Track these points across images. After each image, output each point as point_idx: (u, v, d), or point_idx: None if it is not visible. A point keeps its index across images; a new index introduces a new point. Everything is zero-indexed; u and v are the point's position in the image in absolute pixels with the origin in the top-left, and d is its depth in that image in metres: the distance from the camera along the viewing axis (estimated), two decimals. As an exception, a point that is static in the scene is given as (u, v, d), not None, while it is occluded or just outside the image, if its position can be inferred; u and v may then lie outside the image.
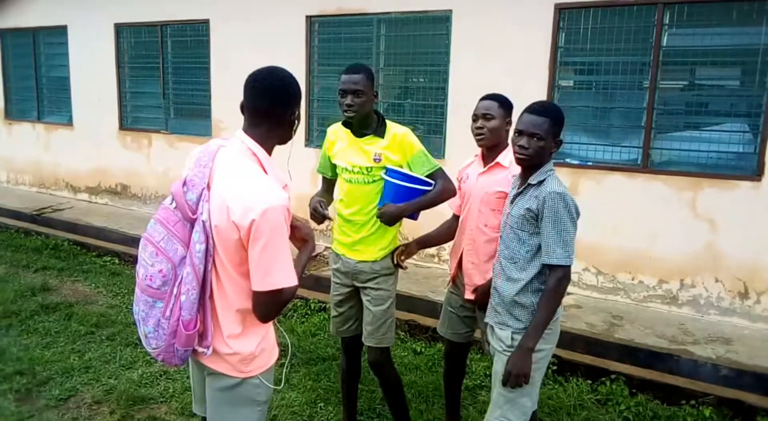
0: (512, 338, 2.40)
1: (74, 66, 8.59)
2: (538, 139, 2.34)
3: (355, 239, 2.92)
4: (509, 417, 2.40)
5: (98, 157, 8.51)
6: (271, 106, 1.85)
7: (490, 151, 2.88)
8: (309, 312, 4.98)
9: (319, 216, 2.85)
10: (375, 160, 2.84)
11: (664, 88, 4.83)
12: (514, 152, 2.42)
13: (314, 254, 2.05)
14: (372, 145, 2.86)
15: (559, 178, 2.40)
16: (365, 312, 2.97)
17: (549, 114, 2.37)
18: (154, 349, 1.84)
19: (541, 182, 2.36)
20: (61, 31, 8.59)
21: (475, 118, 2.85)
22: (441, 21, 5.64)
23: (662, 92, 4.82)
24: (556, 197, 2.28)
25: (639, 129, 4.89)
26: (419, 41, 5.84)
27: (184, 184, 1.81)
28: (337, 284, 3.06)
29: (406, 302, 4.77)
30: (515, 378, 2.31)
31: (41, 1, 8.74)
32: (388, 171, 2.80)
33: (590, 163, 5.08)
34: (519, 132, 2.39)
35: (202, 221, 1.75)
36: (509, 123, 2.87)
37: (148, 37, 7.75)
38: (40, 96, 9.20)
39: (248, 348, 1.86)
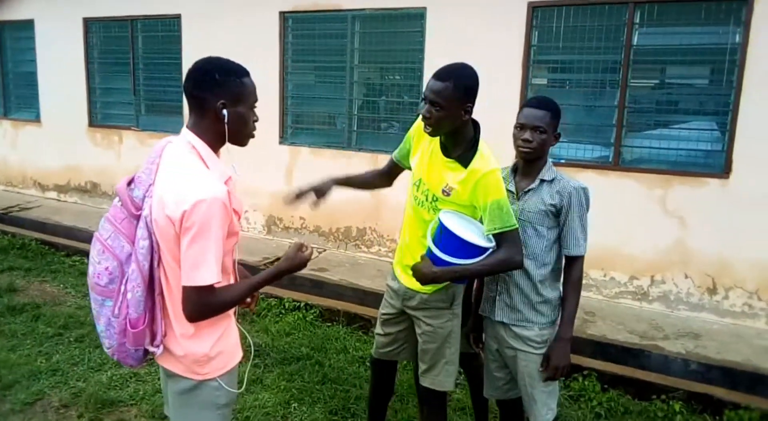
0: (541, 335, 2.46)
1: (42, 61, 8.38)
2: (540, 132, 2.38)
3: (409, 264, 2.48)
4: (552, 406, 2.51)
5: (67, 154, 8.32)
6: (193, 89, 1.81)
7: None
8: (283, 311, 4.94)
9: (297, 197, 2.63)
10: (444, 192, 2.35)
11: (634, 87, 4.89)
12: (518, 146, 2.43)
13: (285, 271, 1.95)
14: (452, 171, 2.35)
15: None
16: (419, 348, 2.64)
17: (549, 107, 2.41)
18: (108, 348, 1.83)
19: (553, 178, 2.43)
20: (27, 25, 8.37)
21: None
22: (415, 18, 5.63)
23: (633, 91, 4.88)
24: (581, 192, 2.39)
25: (610, 127, 4.95)
26: (394, 38, 5.82)
27: (131, 181, 1.81)
28: (387, 301, 2.75)
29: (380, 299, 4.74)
30: (562, 370, 2.41)
31: (7, -6, 8.53)
32: (440, 224, 2.26)
33: (562, 161, 5.12)
34: (521, 126, 2.41)
35: (144, 217, 1.75)
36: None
37: (118, 32, 7.59)
38: (6, 92, 8.95)
39: (201, 349, 1.82)
